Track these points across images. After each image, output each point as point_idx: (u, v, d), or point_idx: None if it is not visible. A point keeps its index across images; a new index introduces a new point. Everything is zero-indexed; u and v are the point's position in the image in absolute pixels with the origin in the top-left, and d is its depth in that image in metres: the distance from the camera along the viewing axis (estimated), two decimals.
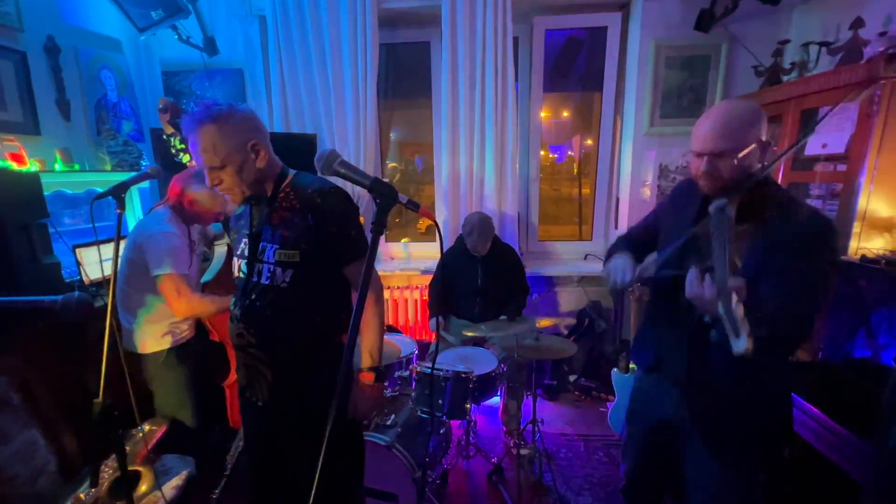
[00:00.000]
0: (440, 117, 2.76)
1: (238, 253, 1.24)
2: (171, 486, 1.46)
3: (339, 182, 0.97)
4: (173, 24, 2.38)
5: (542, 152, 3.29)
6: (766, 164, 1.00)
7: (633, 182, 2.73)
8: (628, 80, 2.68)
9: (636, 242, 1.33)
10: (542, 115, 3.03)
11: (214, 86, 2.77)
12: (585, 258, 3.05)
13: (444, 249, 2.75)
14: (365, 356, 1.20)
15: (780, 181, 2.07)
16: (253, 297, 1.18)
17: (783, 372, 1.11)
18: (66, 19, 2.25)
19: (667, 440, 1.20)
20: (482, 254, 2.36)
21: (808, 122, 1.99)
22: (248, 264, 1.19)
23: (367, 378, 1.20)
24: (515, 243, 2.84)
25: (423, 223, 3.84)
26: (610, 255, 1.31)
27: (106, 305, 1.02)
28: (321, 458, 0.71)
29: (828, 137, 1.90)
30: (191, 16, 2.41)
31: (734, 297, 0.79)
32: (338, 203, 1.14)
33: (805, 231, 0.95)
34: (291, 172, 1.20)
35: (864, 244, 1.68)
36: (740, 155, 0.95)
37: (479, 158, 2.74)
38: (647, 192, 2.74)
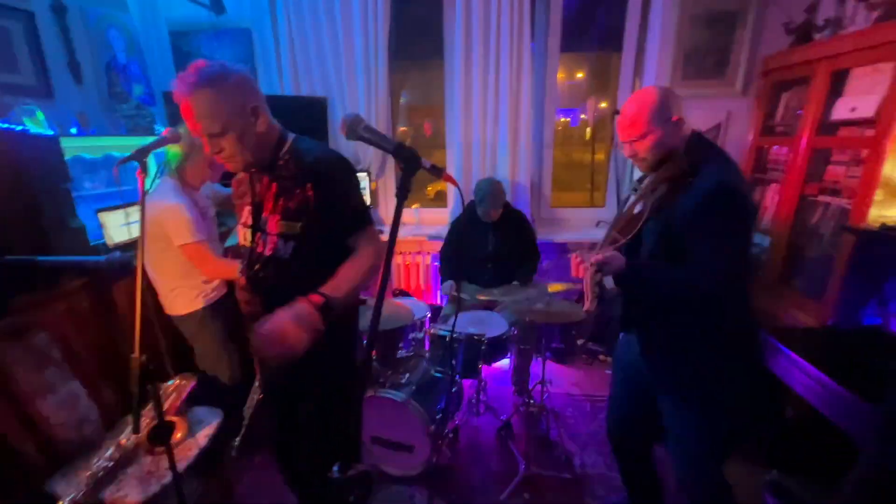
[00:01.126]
0: (453, 79, 2.69)
1: (241, 221, 1.22)
2: (203, 435, 1.57)
3: (359, 148, 0.96)
4: None
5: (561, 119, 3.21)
6: (693, 137, 1.14)
7: None
8: (650, 39, 2.57)
9: None
10: (558, 75, 2.93)
11: (223, 46, 2.71)
12: (598, 225, 3.04)
13: (456, 214, 2.76)
14: (329, 283, 1.03)
15: (803, 146, 2.02)
16: (257, 267, 1.17)
17: (727, 317, 1.16)
18: None
19: (646, 391, 1.31)
20: (493, 220, 2.37)
21: (838, 85, 1.91)
22: (252, 233, 1.18)
23: (314, 299, 0.97)
24: (527, 210, 2.83)
25: (432, 189, 3.83)
26: None
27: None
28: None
29: (857, 101, 1.83)
30: None
31: (590, 270, 1.04)
32: (339, 172, 1.10)
33: (703, 199, 1.04)
34: (290, 137, 1.15)
35: (885, 212, 1.65)
36: (652, 137, 1.10)
37: (493, 123, 2.69)
38: None
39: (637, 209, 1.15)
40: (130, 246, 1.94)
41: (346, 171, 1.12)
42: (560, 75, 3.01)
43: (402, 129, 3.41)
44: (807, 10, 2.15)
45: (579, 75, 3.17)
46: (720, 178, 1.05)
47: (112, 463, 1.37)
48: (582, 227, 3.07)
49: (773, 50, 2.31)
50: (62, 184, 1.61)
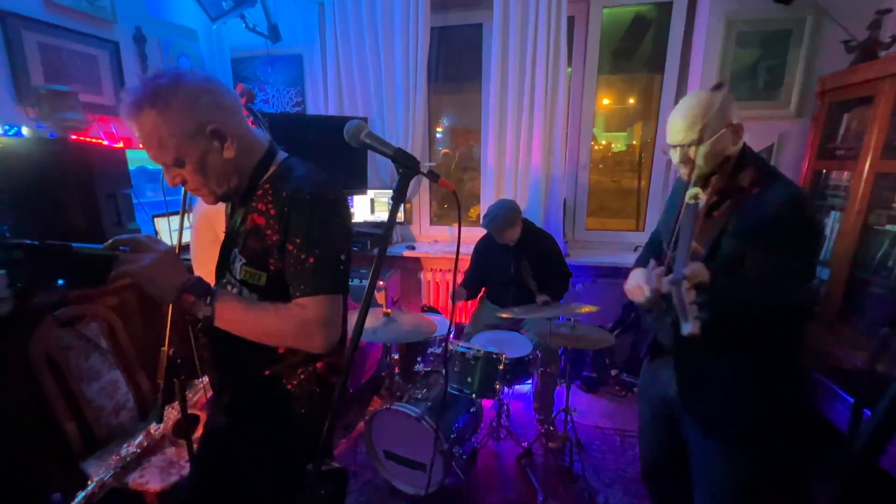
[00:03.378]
0: (488, 103, 2.74)
1: (220, 253, 1.01)
2: None
3: (393, 171, 0.75)
4: (241, 14, 2.55)
5: (603, 141, 3.15)
6: (745, 148, 1.05)
7: None
8: (693, 60, 2.49)
9: (657, 241, 1.32)
10: (606, 101, 2.90)
11: (276, 71, 2.95)
12: (635, 250, 2.91)
13: (473, 235, 2.74)
14: (232, 301, 0.85)
15: (867, 171, 1.85)
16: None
17: (781, 353, 1.07)
18: (151, 11, 2.49)
19: (673, 420, 1.20)
20: (512, 243, 2.32)
21: None
22: (219, 268, 0.98)
23: (193, 286, 0.82)
24: (560, 231, 2.78)
25: (474, 211, 3.85)
26: (637, 259, 1.37)
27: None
28: None
29: None
30: (257, 4, 2.58)
31: (685, 284, 0.85)
32: (309, 213, 0.84)
33: (774, 211, 0.98)
34: (280, 158, 0.94)
35: None
36: (709, 142, 1.00)
37: (527, 144, 2.69)
38: None
39: (703, 220, 1.05)
40: (183, 249, 2.11)
41: (322, 213, 0.85)
42: (609, 101, 2.98)
43: (445, 150, 3.47)
44: (870, 26, 2.00)
45: (631, 101, 3.10)
46: (793, 191, 1.00)
47: (140, 450, 1.45)
48: (617, 250, 2.95)
49: (829, 69, 2.16)
50: (123, 190, 1.80)
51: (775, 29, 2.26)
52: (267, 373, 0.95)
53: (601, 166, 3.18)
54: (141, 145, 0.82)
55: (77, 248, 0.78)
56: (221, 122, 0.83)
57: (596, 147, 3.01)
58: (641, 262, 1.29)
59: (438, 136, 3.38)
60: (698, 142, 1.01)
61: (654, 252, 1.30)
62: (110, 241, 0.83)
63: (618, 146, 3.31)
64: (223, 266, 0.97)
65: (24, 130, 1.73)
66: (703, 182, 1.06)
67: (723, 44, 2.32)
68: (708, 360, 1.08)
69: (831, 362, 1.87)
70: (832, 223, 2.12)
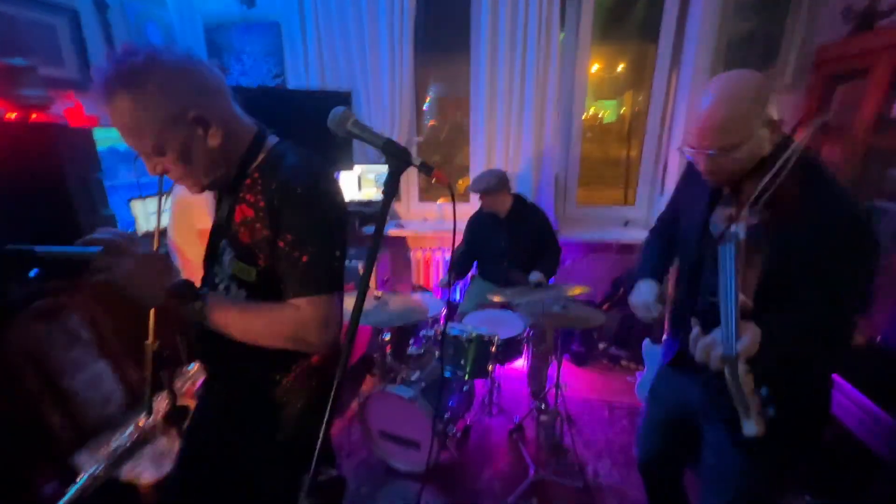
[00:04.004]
0: (478, 73, 2.63)
1: (208, 243, 0.97)
2: None
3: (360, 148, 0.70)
4: None
5: (592, 109, 3.08)
6: (782, 142, 0.84)
7: None
8: (689, 27, 2.40)
9: (668, 232, 1.23)
10: (596, 66, 2.80)
11: (253, 39, 2.77)
12: (625, 224, 2.91)
13: (463, 212, 2.71)
14: (225, 304, 0.83)
15: (859, 145, 1.83)
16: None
17: (819, 368, 0.97)
18: None
19: (687, 426, 1.15)
20: (502, 213, 2.31)
21: None
22: (207, 260, 0.94)
23: (183, 287, 0.80)
24: (552, 206, 2.75)
25: (463, 184, 3.78)
26: (644, 252, 1.28)
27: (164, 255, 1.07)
28: None
29: None
30: None
31: (741, 367, 0.70)
32: (301, 207, 0.78)
33: (831, 231, 0.80)
34: (270, 143, 0.88)
35: None
36: (747, 147, 0.83)
37: (518, 117, 2.61)
38: None
39: (744, 251, 0.82)
40: (162, 234, 2.04)
41: (316, 206, 0.80)
42: (599, 65, 2.87)
43: (432, 122, 3.36)
44: None
45: (621, 67, 3.00)
46: (849, 206, 0.82)
47: (130, 442, 1.44)
48: (608, 226, 2.94)
49: (828, 38, 2.11)
50: (94, 174, 1.70)
51: None
52: (259, 370, 0.92)
53: (589, 134, 3.12)
54: (116, 128, 0.75)
55: (42, 252, 0.72)
56: (205, 106, 0.76)
57: (585, 116, 2.95)
58: (648, 260, 1.23)
59: (426, 107, 3.26)
60: (733, 148, 0.83)
61: (663, 238, 1.23)
62: (82, 240, 0.77)
63: (608, 116, 3.24)
64: (211, 258, 0.92)
65: None
66: (734, 189, 0.90)
67: (720, 12, 2.23)
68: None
69: None
70: None
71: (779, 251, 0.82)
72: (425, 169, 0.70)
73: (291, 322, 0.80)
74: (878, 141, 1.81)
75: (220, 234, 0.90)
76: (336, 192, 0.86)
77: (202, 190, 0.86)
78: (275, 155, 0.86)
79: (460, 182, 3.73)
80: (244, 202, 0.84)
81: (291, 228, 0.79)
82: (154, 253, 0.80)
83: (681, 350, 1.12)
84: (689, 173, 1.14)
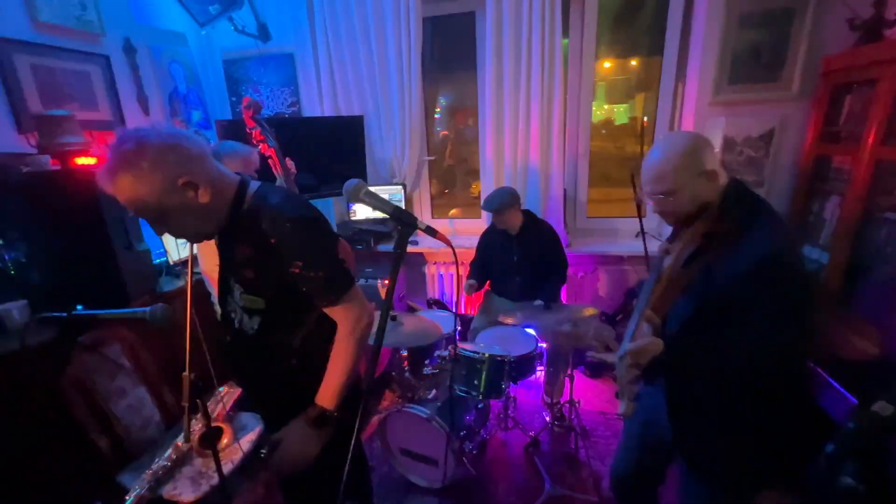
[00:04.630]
0: (484, 93, 2.70)
1: (219, 280, 1.12)
2: (246, 440, 1.73)
3: (394, 161, 0.79)
4: (229, 16, 2.51)
5: (606, 105, 3.10)
6: (727, 187, 0.99)
7: None
8: (693, 41, 2.43)
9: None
10: (606, 65, 2.83)
11: (269, 71, 2.91)
12: (637, 236, 2.93)
13: (475, 227, 2.77)
14: (321, 391, 1.02)
15: (868, 156, 1.83)
16: (228, 338, 1.11)
17: (773, 407, 1.01)
18: (139, 20, 2.45)
19: (660, 443, 1.20)
20: (513, 230, 2.37)
21: None
22: (221, 296, 1.09)
23: (311, 416, 1.01)
24: (560, 221, 2.79)
25: (475, 188, 3.85)
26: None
27: (195, 282, 1.18)
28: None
29: None
30: (245, 5, 2.52)
31: (627, 360, 0.89)
32: (298, 237, 0.93)
33: (748, 269, 0.88)
34: (251, 190, 0.99)
35: None
36: (681, 194, 0.97)
37: (525, 133, 2.67)
38: None
39: (669, 278, 0.99)
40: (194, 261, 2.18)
41: (309, 233, 0.95)
42: (611, 65, 2.89)
43: (444, 132, 3.44)
44: (875, 3, 1.94)
45: (633, 63, 2.99)
46: (771, 246, 0.90)
47: (169, 464, 1.55)
48: (620, 238, 2.97)
49: (834, 49, 2.11)
50: (129, 213, 1.83)
51: (777, 7, 2.19)
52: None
53: (603, 132, 3.13)
54: (123, 205, 0.89)
55: (103, 314, 0.83)
56: (191, 172, 0.88)
57: (598, 112, 2.96)
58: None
59: (437, 116, 3.34)
60: (668, 194, 0.98)
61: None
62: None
63: (620, 117, 3.24)
64: (225, 294, 1.09)
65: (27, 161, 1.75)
66: (683, 228, 1.03)
67: (724, 25, 2.25)
68: (697, 401, 1.05)
69: (828, 350, 1.92)
70: (832, 208, 2.12)
71: (705, 280, 0.95)
72: (430, 231, 0.78)
73: (350, 326, 1.00)
74: (887, 152, 1.80)
75: (227, 272, 1.05)
76: (317, 215, 1.01)
77: (201, 240, 1.01)
78: (259, 198, 0.99)
79: (473, 186, 3.80)
80: (242, 244, 0.99)
81: (297, 256, 0.94)
82: (296, 434, 1.01)
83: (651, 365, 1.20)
84: None
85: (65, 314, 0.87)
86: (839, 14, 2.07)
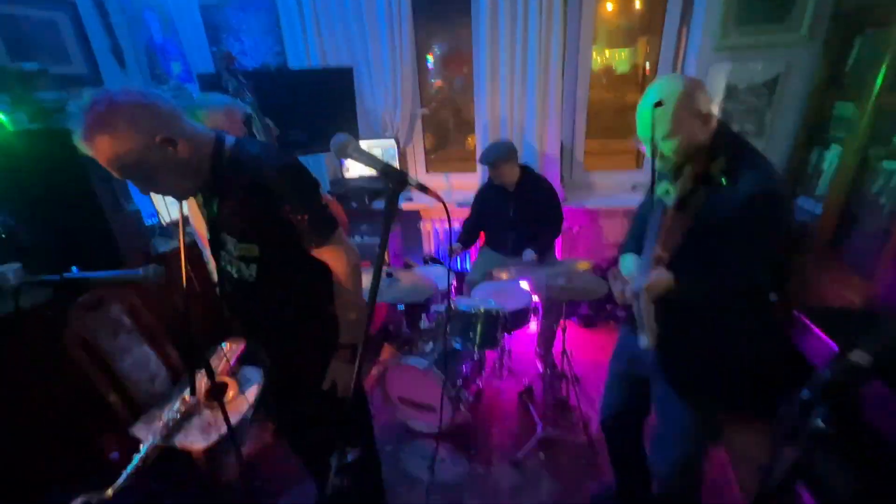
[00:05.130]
0: (479, 41, 2.57)
1: (208, 237, 1.15)
2: (252, 392, 1.80)
3: (386, 115, 0.77)
4: None
5: (606, 54, 2.97)
6: (719, 129, 1.03)
7: None
8: None
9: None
10: (609, 6, 2.68)
11: (249, 17, 2.73)
12: (633, 189, 2.91)
13: (470, 182, 2.73)
14: (342, 331, 1.17)
15: (871, 103, 1.78)
16: (228, 288, 1.16)
17: (746, 321, 1.13)
18: None
19: (641, 380, 1.30)
20: (510, 185, 2.35)
21: None
22: (213, 253, 1.14)
23: (343, 355, 1.16)
24: (557, 175, 2.75)
25: (471, 141, 3.75)
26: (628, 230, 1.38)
27: (189, 243, 1.20)
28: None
29: None
30: None
31: (644, 296, 0.92)
32: (282, 184, 0.98)
33: (744, 205, 0.96)
34: (228, 144, 1.02)
35: None
36: (679, 135, 0.99)
37: (521, 83, 2.57)
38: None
39: (672, 217, 1.04)
40: (185, 221, 2.16)
41: (292, 179, 1.00)
42: (614, 6, 2.74)
43: (438, 83, 3.29)
44: None
45: (638, 5, 2.82)
46: (766, 181, 0.98)
47: (179, 415, 1.62)
48: (616, 191, 2.95)
49: None
50: None
51: None
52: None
53: (604, 81, 3.04)
54: (105, 167, 0.89)
55: (95, 277, 0.84)
56: (167, 127, 0.90)
57: (598, 59, 2.85)
58: (626, 246, 1.33)
59: (430, 66, 3.19)
60: (667, 136, 1.00)
61: (638, 233, 1.29)
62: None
63: (621, 64, 3.11)
64: (216, 248, 1.12)
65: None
66: (676, 172, 1.05)
67: None
68: (679, 331, 1.09)
69: (814, 296, 1.98)
70: (831, 158, 2.09)
71: (704, 216, 1.01)
72: (421, 188, 0.77)
73: (343, 267, 1.10)
74: (892, 99, 1.75)
75: (216, 227, 1.08)
76: (297, 161, 1.05)
77: (187, 196, 1.04)
78: (237, 150, 1.02)
79: (469, 139, 3.70)
80: (226, 196, 1.02)
81: (284, 200, 0.99)
82: (341, 370, 1.17)
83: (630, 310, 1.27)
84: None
85: (57, 277, 0.87)
86: None
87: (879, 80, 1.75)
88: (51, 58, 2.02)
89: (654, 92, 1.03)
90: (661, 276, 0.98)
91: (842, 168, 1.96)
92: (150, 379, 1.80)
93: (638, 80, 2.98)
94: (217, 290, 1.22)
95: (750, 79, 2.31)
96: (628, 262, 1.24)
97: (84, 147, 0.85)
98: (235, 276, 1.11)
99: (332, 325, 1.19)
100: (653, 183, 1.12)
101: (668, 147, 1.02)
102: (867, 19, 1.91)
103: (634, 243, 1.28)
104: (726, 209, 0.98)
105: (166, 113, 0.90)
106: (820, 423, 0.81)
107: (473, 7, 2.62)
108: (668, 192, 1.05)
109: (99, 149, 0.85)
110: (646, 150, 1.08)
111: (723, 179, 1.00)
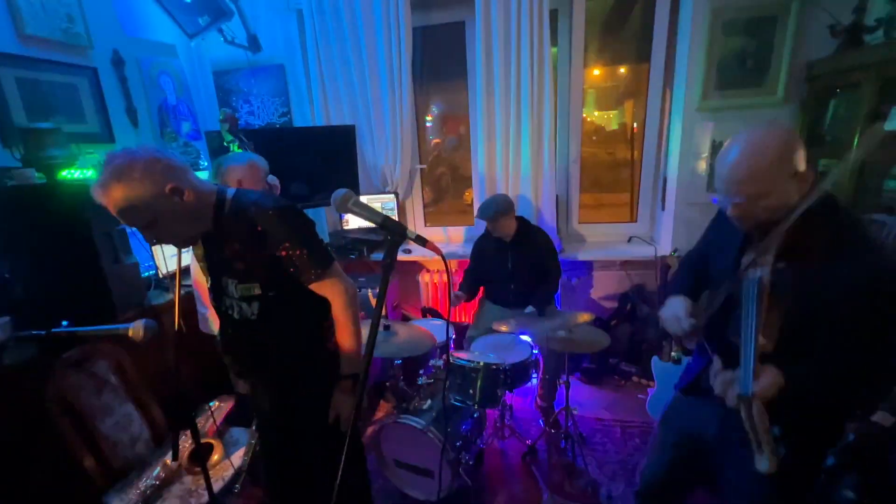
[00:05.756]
0: (475, 102, 2.72)
1: (209, 285, 1.22)
2: (238, 456, 1.69)
3: (386, 170, 0.85)
4: (219, 27, 2.51)
5: (596, 112, 3.13)
6: (812, 191, 0.82)
7: (683, 161, 2.54)
8: (679, 50, 2.46)
9: (696, 267, 1.24)
10: (596, 72, 2.86)
11: (259, 81, 2.90)
12: (629, 241, 2.95)
13: (469, 234, 2.76)
14: (343, 363, 1.20)
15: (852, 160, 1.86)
16: (230, 331, 1.20)
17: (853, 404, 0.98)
18: (127, 31, 2.44)
19: (699, 455, 1.17)
20: (507, 237, 2.37)
21: (890, 94, 1.75)
22: (215, 298, 1.20)
23: (344, 386, 1.19)
24: (553, 227, 2.80)
25: (469, 195, 3.85)
26: (670, 285, 1.27)
27: (183, 298, 1.19)
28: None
29: None
30: (234, 16, 2.52)
31: (756, 405, 0.74)
32: (280, 224, 1.06)
33: (861, 282, 0.80)
34: (229, 195, 1.11)
35: None
36: (773, 196, 0.85)
37: (515, 141, 2.68)
38: (702, 166, 2.52)
39: (769, 297, 0.85)
40: (184, 273, 2.15)
41: (288, 220, 1.07)
42: (600, 72, 2.93)
43: (436, 140, 3.44)
44: (855, 10, 1.98)
45: (622, 70, 3.02)
46: (885, 257, 0.85)
47: (158, 482, 1.51)
48: (612, 243, 2.98)
49: (817, 54, 2.15)
50: (117, 226, 1.80)
51: (760, 15, 2.23)
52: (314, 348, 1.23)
53: (595, 138, 3.17)
54: (116, 215, 0.98)
55: (83, 332, 0.81)
56: (177, 179, 0.99)
57: (588, 119, 3.00)
58: (678, 281, 1.24)
59: (428, 124, 3.35)
60: (759, 197, 0.86)
61: (692, 273, 1.22)
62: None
63: (611, 123, 3.27)
64: (218, 292, 1.18)
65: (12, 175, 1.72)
66: (761, 235, 0.90)
67: (709, 32, 2.29)
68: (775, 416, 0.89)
69: None
70: None
71: (806, 296, 0.84)
72: (420, 241, 0.77)
73: (341, 298, 1.15)
74: (872, 154, 1.83)
75: (219, 273, 1.15)
76: (291, 203, 1.13)
77: (188, 244, 1.11)
78: (237, 199, 1.11)
79: (466, 193, 3.79)
80: (228, 241, 1.09)
81: (284, 238, 1.06)
82: (343, 403, 1.19)
83: (697, 378, 1.16)
84: (721, 214, 1.14)
85: (43, 332, 0.84)
86: (821, 21, 2.12)
87: (856, 141, 1.85)
88: (66, 117, 2.11)
89: (744, 146, 0.87)
90: (773, 377, 0.81)
91: None
92: (132, 441, 1.70)
93: (627, 138, 3.13)
94: (218, 338, 1.26)
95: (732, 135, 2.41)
96: (676, 303, 1.10)
97: (99, 195, 0.94)
98: (237, 317, 1.16)
99: (333, 361, 1.22)
100: (742, 245, 1.00)
101: (758, 209, 0.88)
102: (838, 82, 2.04)
103: (681, 288, 1.18)
104: (836, 286, 0.83)
105: (177, 167, 1.01)
106: (850, 493, 0.72)
107: (469, 71, 2.80)
108: (757, 264, 0.86)
109: (113, 196, 0.93)
110: (727, 209, 0.94)
111: (834, 248, 0.85)
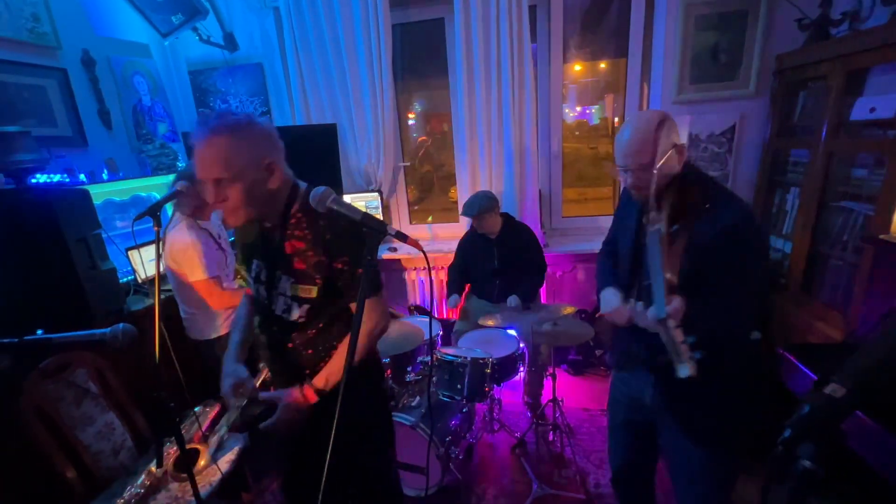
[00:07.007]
0: (457, 98, 2.73)
1: (252, 276, 1.18)
2: (225, 461, 1.67)
3: (369, 168, 0.83)
4: (194, 26, 2.46)
5: (578, 107, 3.17)
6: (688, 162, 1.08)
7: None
8: (655, 45, 2.51)
9: (612, 250, 1.34)
10: (577, 68, 2.89)
11: (237, 81, 2.86)
12: None
13: (454, 231, 2.78)
14: (320, 375, 1.11)
15: (822, 148, 1.92)
16: (275, 328, 1.15)
17: (749, 359, 1.13)
18: (98, 31, 2.38)
19: (646, 427, 1.24)
20: (493, 234, 2.39)
21: (855, 85, 1.82)
22: (266, 291, 1.14)
23: (309, 396, 1.09)
24: (537, 221, 2.83)
25: (454, 193, 3.85)
26: (597, 276, 1.36)
27: (164, 301, 1.16)
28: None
29: (877, 101, 1.73)
30: (210, 15, 2.48)
31: (671, 323, 0.88)
32: (347, 238, 1.04)
33: (730, 227, 1.01)
34: (302, 189, 1.10)
35: None
36: (656, 166, 1.03)
37: (498, 137, 2.70)
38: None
39: (669, 243, 1.05)
40: (161, 279, 2.10)
41: (353, 236, 1.05)
42: (581, 68, 2.96)
43: (422, 138, 3.43)
44: (822, 4, 2.05)
45: (602, 66, 3.06)
46: (744, 210, 1.04)
47: (143, 490, 1.48)
48: (595, 236, 3.02)
49: (787, 47, 2.21)
50: (93, 231, 1.76)
51: (731, 10, 2.29)
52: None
53: (577, 133, 3.20)
54: (199, 161, 0.97)
55: (57, 339, 0.79)
56: (276, 158, 1.02)
57: (571, 114, 3.03)
58: (604, 276, 1.31)
59: (411, 122, 3.34)
60: (649, 165, 1.03)
61: (613, 264, 1.31)
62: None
63: (593, 117, 3.32)
64: (269, 286, 1.12)
65: None
66: (656, 203, 1.07)
67: (682, 27, 2.34)
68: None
69: (795, 334, 2.00)
70: (793, 199, 2.21)
71: (692, 243, 1.04)
72: (400, 237, 0.77)
73: (368, 329, 1.09)
74: (839, 144, 1.89)
75: (273, 265, 1.11)
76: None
77: (243, 221, 1.05)
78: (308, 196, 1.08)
79: (451, 191, 3.80)
80: (293, 238, 1.07)
81: (345, 253, 1.04)
82: (299, 402, 1.08)
83: (623, 352, 1.25)
84: (622, 202, 1.32)
85: (15, 340, 0.82)
86: (789, 15, 2.18)
87: (825, 131, 1.91)
88: (36, 120, 2.05)
89: (632, 124, 1.07)
90: (679, 302, 0.95)
91: (803, 208, 2.07)
92: (114, 450, 1.67)
93: (608, 132, 3.18)
94: (260, 330, 1.21)
95: (709, 129, 2.48)
96: (610, 296, 1.21)
97: (201, 138, 0.94)
98: (279, 313, 1.12)
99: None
100: (641, 213, 1.16)
101: (647, 176, 1.05)
102: (807, 74, 2.11)
103: (608, 280, 1.27)
104: (710, 235, 1.02)
105: (280, 148, 1.04)
106: (807, 463, 0.77)
107: (450, 68, 2.80)
108: (657, 220, 1.05)
109: (217, 142, 0.94)
110: (624, 179, 1.12)
111: (706, 205, 1.05)
